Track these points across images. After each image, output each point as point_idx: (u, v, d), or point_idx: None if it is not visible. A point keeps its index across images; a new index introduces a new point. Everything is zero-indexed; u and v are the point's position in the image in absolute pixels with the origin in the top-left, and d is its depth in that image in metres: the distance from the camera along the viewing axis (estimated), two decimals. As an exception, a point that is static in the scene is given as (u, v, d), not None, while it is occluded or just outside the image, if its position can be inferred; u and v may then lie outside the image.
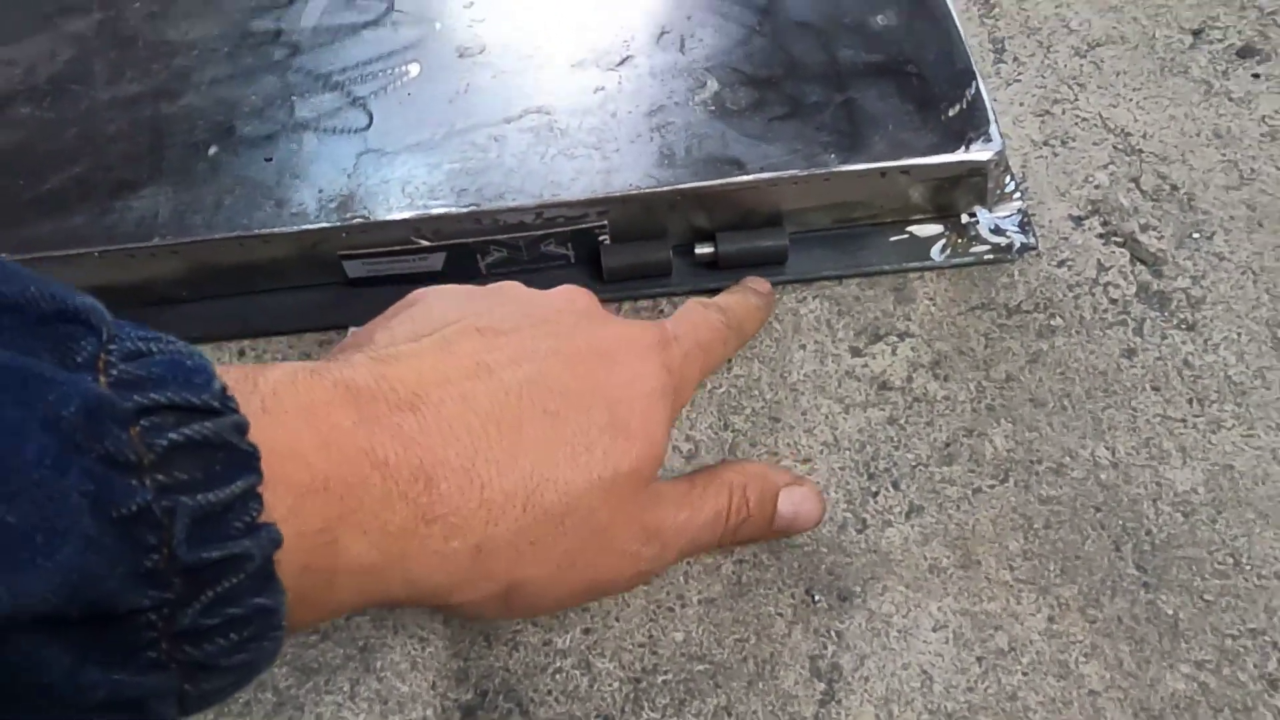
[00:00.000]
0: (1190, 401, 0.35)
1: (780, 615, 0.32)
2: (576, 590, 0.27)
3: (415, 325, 0.28)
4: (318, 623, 0.26)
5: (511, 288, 0.31)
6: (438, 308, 0.29)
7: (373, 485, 0.22)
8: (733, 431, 0.36)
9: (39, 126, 0.43)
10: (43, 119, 0.44)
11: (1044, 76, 0.45)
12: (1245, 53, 0.45)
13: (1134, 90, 0.44)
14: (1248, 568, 0.32)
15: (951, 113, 0.39)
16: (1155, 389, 0.36)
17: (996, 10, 0.48)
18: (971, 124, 0.38)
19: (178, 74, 0.44)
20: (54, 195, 0.40)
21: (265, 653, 0.21)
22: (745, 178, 0.38)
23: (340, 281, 0.40)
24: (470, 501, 0.24)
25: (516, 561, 0.25)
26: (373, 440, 0.23)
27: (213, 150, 0.41)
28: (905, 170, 0.38)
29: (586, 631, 0.32)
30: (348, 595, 0.23)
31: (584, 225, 0.38)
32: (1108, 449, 0.35)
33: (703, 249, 0.39)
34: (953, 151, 0.38)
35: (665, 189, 0.38)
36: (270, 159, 0.41)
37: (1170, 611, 0.31)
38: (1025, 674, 0.31)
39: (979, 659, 0.31)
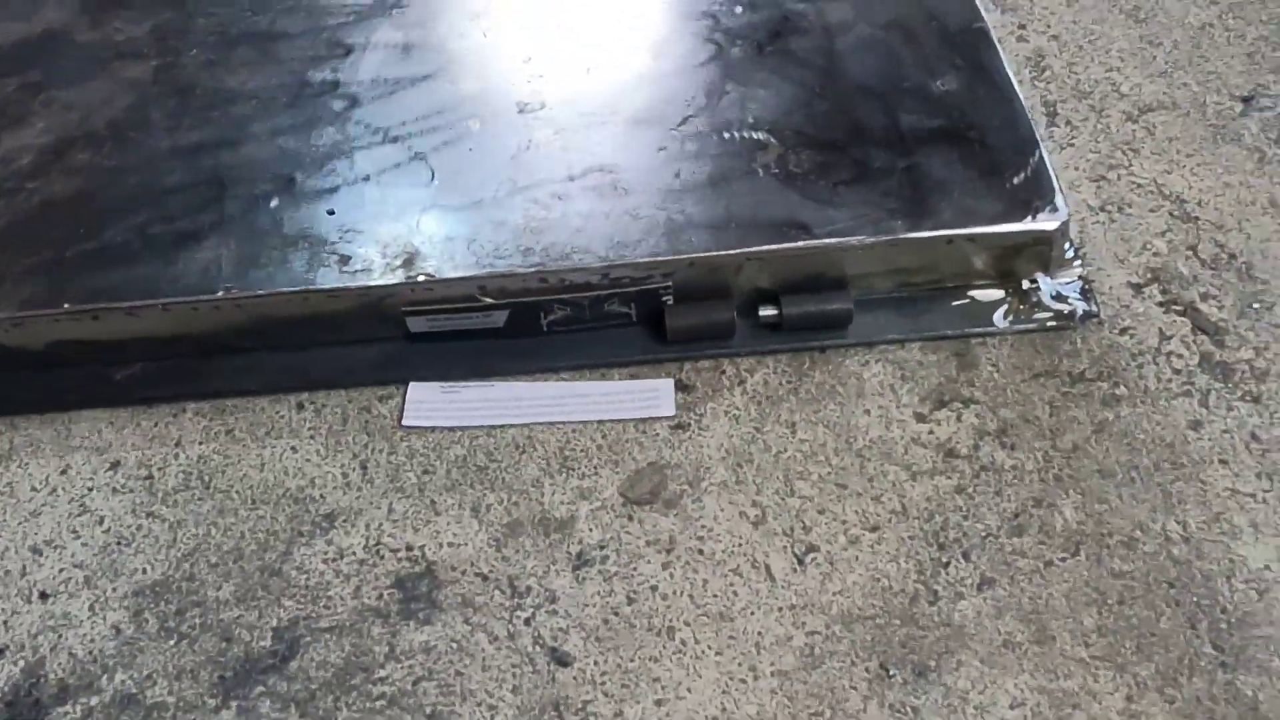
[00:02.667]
0: (1259, 476, 0.35)
1: (855, 689, 0.32)
2: None
3: None
4: None
5: None
6: None
7: None
8: (799, 497, 0.36)
9: (99, 174, 0.43)
10: (102, 166, 0.44)
11: (1097, 141, 0.46)
12: (1296, 121, 0.46)
13: (1187, 157, 0.45)
14: (1326, 649, 0.32)
15: (1016, 180, 0.39)
16: (1223, 462, 0.36)
17: (1048, 74, 0.48)
18: (1037, 192, 0.38)
19: (237, 123, 0.45)
20: (117, 245, 0.40)
21: None
22: (812, 242, 0.38)
23: (402, 336, 0.40)
24: None
25: None
26: None
27: (274, 202, 0.42)
28: (971, 238, 0.38)
29: (659, 703, 0.32)
30: None
31: (649, 286, 0.39)
32: (1178, 523, 0.35)
33: (767, 311, 0.39)
34: (1019, 220, 0.38)
35: (733, 252, 0.38)
36: (333, 212, 0.41)
37: (1250, 693, 0.31)
38: (1105, 755, 0.30)
39: (1058, 739, 0.31)
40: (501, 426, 0.38)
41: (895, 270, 0.39)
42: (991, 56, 0.43)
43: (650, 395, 0.38)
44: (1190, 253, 0.42)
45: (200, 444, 0.39)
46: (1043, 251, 0.39)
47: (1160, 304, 0.40)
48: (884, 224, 0.38)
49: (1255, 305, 0.40)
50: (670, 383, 0.38)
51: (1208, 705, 0.31)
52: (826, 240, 0.38)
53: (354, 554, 0.36)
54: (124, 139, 0.45)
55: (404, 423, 0.39)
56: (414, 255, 0.39)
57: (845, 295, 0.39)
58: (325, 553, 0.36)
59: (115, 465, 0.38)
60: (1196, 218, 0.43)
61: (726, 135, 0.42)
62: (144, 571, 0.36)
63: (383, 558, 0.35)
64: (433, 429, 0.38)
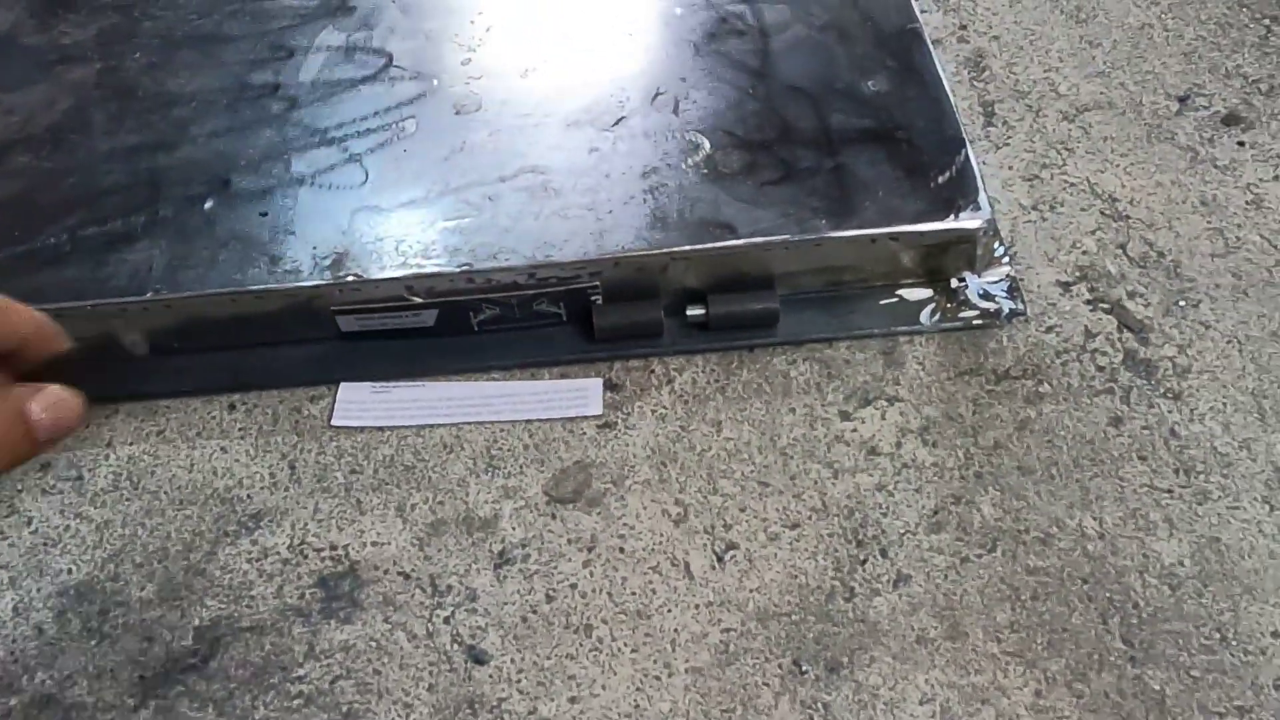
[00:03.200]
0: (1177, 472, 0.36)
1: (767, 685, 0.32)
2: None
3: None
4: None
5: None
6: None
7: None
8: (722, 495, 0.36)
9: (37, 177, 0.43)
10: (40, 169, 0.44)
11: (1033, 141, 0.46)
12: (1230, 120, 0.46)
13: (1121, 156, 0.45)
14: (1234, 643, 0.32)
15: (941, 180, 0.39)
16: (1142, 459, 0.36)
17: (987, 74, 0.49)
18: (961, 192, 0.39)
19: (176, 125, 0.45)
20: (49, 248, 0.40)
21: None
22: (737, 242, 0.38)
23: (333, 336, 0.40)
24: None
25: None
26: None
27: (209, 204, 0.42)
28: (895, 237, 0.38)
29: (573, 700, 0.32)
30: None
31: (576, 285, 0.39)
32: (1095, 519, 0.35)
33: (694, 310, 0.39)
34: (942, 219, 0.38)
35: (658, 252, 0.38)
36: (265, 214, 0.41)
37: (1157, 687, 0.31)
38: (1012, 750, 0.31)
39: (966, 734, 0.31)
40: (431, 426, 0.38)
41: (822, 269, 0.39)
42: (924, 57, 0.44)
43: (578, 394, 0.39)
44: (1120, 251, 0.42)
45: (131, 445, 0.39)
46: (967, 250, 0.39)
47: (1088, 302, 0.40)
48: (809, 223, 0.38)
49: (1181, 303, 0.40)
50: (598, 382, 0.39)
51: (1115, 700, 0.31)
52: (751, 240, 0.38)
53: (278, 554, 0.36)
54: (63, 141, 0.45)
55: (334, 422, 0.39)
56: (343, 256, 0.39)
57: (772, 295, 0.39)
58: (250, 552, 0.36)
59: (45, 466, 0.38)
60: (1127, 216, 0.43)
61: (658, 136, 0.42)
62: (69, 572, 0.36)
63: (306, 557, 0.36)
64: (362, 429, 0.39)
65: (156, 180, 0.43)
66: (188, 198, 0.42)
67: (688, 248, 0.38)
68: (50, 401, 0.30)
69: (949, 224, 0.38)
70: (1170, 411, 0.37)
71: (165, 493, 0.37)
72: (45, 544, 0.36)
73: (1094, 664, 0.32)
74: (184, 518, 0.37)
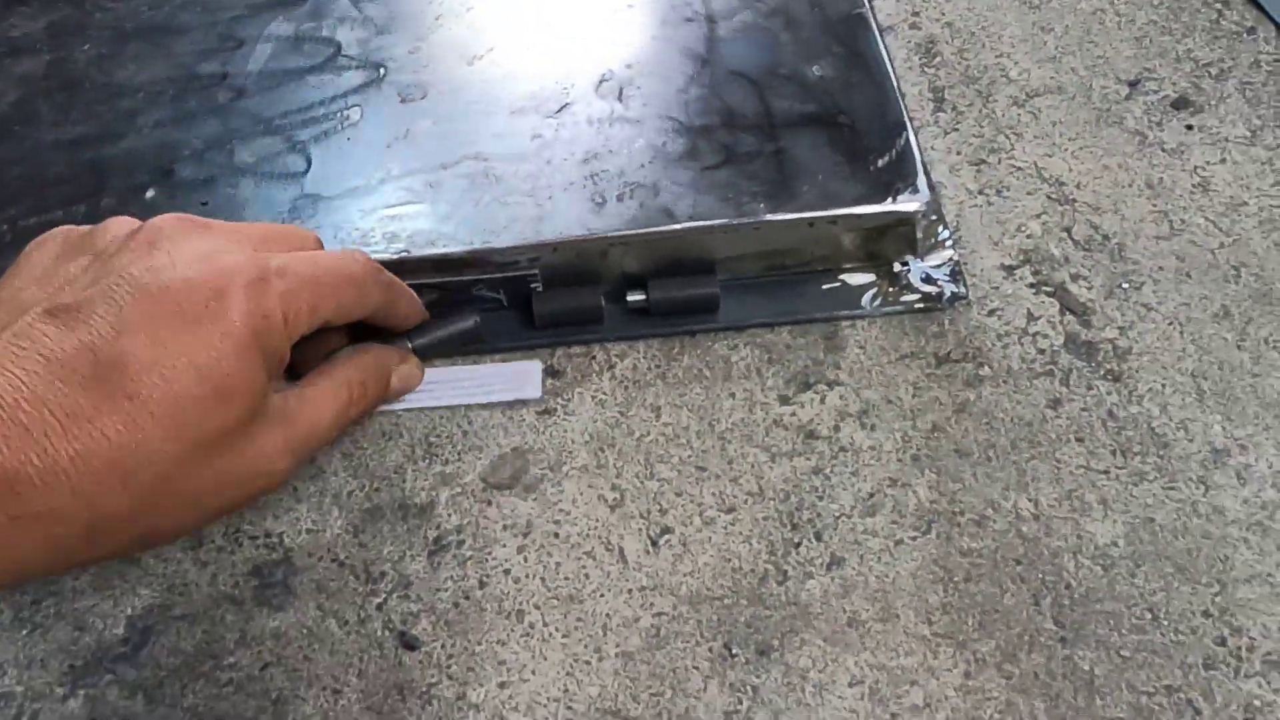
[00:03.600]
0: (1114, 453, 0.36)
1: (697, 669, 0.32)
2: (210, 517, 0.32)
3: (5, 312, 0.30)
4: None
5: (116, 225, 0.32)
6: (22, 283, 0.31)
7: None
8: (659, 480, 0.36)
9: (-20, 167, 0.43)
10: (-15, 160, 0.44)
11: (981, 126, 0.46)
12: (1179, 104, 0.46)
13: (1070, 140, 0.45)
14: (1165, 623, 0.32)
15: (881, 163, 0.39)
16: (1079, 440, 0.36)
17: (938, 59, 0.48)
18: (900, 175, 0.39)
19: (123, 116, 0.45)
20: (-11, 238, 0.40)
21: None
22: (675, 226, 0.38)
23: (274, 325, 0.40)
24: (61, 497, 0.26)
25: (135, 524, 0.28)
26: None
27: (150, 193, 0.42)
28: (833, 220, 0.38)
29: (502, 685, 0.32)
30: None
31: (515, 272, 0.39)
32: (1030, 501, 0.35)
33: (634, 296, 0.39)
34: (880, 202, 0.38)
35: (596, 237, 0.38)
36: (206, 203, 0.41)
37: (1087, 667, 0.31)
38: (940, 731, 0.30)
39: (893, 715, 0.31)
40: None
41: (763, 254, 0.39)
42: (870, 43, 0.43)
43: (518, 378, 0.38)
44: (1065, 234, 0.42)
45: (70, 435, 0.39)
46: (907, 233, 0.39)
47: (1031, 285, 0.40)
48: (748, 206, 0.38)
49: (1124, 285, 0.40)
50: (537, 365, 0.39)
51: (1044, 680, 0.31)
52: (690, 224, 0.38)
53: (213, 542, 0.36)
54: (9, 133, 0.45)
55: None
56: (283, 244, 0.39)
57: (712, 280, 0.39)
58: (184, 541, 0.36)
59: (-16, 457, 0.38)
60: (1074, 200, 0.43)
61: (601, 123, 0.42)
62: (4, 562, 0.36)
63: (241, 545, 0.35)
64: (301, 417, 0.38)
65: (100, 170, 0.43)
66: (130, 187, 0.42)
67: (626, 232, 0.38)
68: (407, 372, 0.37)
69: (887, 206, 0.38)
70: (1109, 393, 0.37)
71: (103, 482, 0.37)
72: (-19, 534, 0.36)
73: (1024, 644, 0.32)
74: (121, 507, 0.37)
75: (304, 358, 0.34)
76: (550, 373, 0.39)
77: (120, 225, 0.32)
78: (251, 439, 0.30)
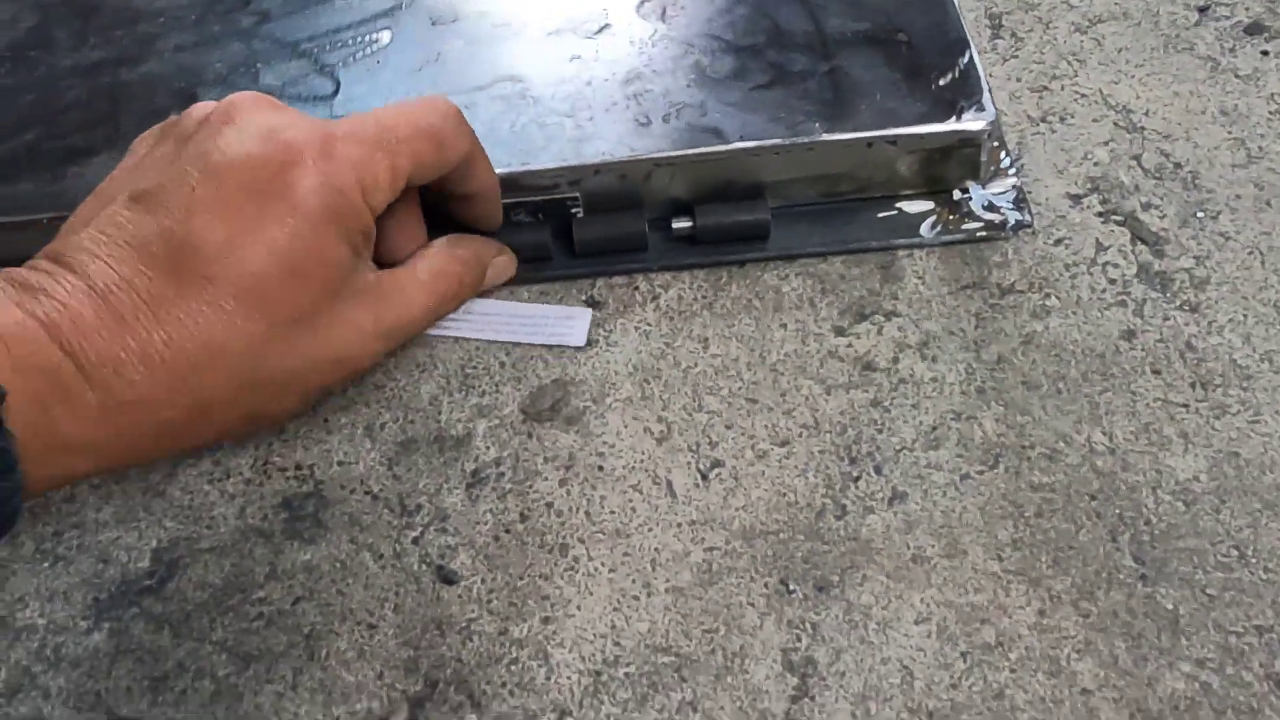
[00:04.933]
0: (1193, 386, 0.33)
1: (752, 606, 0.30)
2: (312, 396, 0.32)
3: (98, 202, 0.30)
4: (55, 483, 0.27)
5: (199, 108, 0.32)
6: (118, 173, 0.31)
7: (66, 373, 0.25)
8: (707, 412, 0.34)
9: (-5, 93, 0.42)
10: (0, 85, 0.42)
11: (1042, 53, 0.43)
12: (1253, 29, 0.43)
13: (1136, 67, 0.42)
14: (1253, 560, 0.30)
15: (943, 82, 0.37)
16: (1156, 372, 0.34)
17: (994, -15, 0.46)
18: (964, 93, 0.36)
19: (141, 41, 0.43)
20: (3, 161, 0.39)
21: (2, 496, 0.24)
22: (724, 147, 0.36)
23: (302, 254, 0.38)
24: (161, 380, 0.26)
25: (238, 404, 0.28)
26: (59, 334, 0.26)
27: (174, 116, 0.40)
28: (893, 140, 0.36)
29: (545, 620, 0.30)
30: (76, 463, 0.26)
31: (555, 195, 0.37)
32: (1104, 434, 0.33)
33: (680, 223, 0.37)
34: (943, 121, 0.36)
35: (640, 158, 0.36)
36: (231, 126, 0.39)
37: (1170, 606, 0.29)
38: (1013, 670, 0.29)
39: (964, 654, 0.29)
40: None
41: (815, 178, 0.37)
42: (926, -40, 0.41)
43: (566, 322, 0.36)
44: (1134, 162, 0.39)
45: (91, 366, 0.37)
46: (971, 155, 0.37)
47: (1099, 214, 0.38)
48: (801, 127, 0.36)
49: (1199, 214, 0.38)
50: (588, 313, 0.36)
51: (1124, 618, 0.29)
52: (739, 145, 0.36)
53: (241, 474, 0.34)
54: (24, 59, 0.43)
55: None
56: (311, 167, 0.37)
57: (762, 205, 0.37)
58: (211, 473, 0.34)
59: (2, 388, 0.37)
60: (1142, 127, 0.40)
61: (643, 43, 0.39)
62: (23, 493, 0.34)
63: (270, 477, 0.34)
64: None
65: (118, 95, 0.41)
66: (151, 111, 0.40)
67: (673, 153, 0.36)
68: (504, 264, 0.36)
69: (951, 125, 0.36)
70: (1187, 324, 0.35)
71: (125, 414, 0.36)
72: (-1, 465, 0.35)
73: (1102, 582, 0.30)
74: (144, 439, 0.35)
75: (397, 225, 0.33)
76: (590, 303, 0.37)
77: (202, 108, 0.31)
78: (339, 318, 0.30)
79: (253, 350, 0.28)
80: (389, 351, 0.32)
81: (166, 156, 0.30)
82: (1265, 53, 0.42)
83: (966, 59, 0.37)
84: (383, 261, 0.33)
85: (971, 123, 0.36)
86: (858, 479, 0.32)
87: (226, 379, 0.28)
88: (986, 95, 0.36)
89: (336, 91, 0.40)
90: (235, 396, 0.28)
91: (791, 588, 0.30)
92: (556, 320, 0.37)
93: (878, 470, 0.32)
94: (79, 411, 0.26)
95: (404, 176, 0.30)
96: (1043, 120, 0.41)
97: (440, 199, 0.34)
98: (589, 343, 0.36)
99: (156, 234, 0.27)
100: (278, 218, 0.28)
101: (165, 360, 0.26)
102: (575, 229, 0.37)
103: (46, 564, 0.33)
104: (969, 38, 0.38)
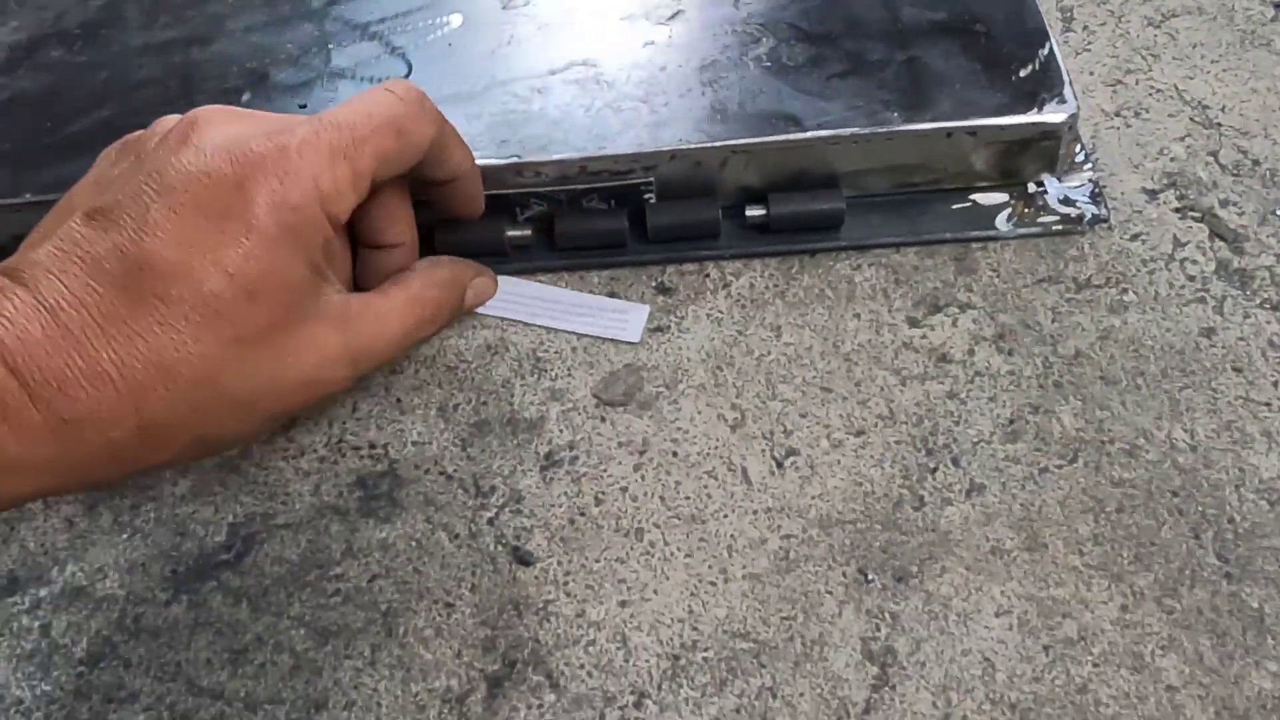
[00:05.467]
0: (1275, 384, 0.33)
1: (830, 594, 0.30)
2: (267, 422, 0.30)
3: (57, 218, 0.29)
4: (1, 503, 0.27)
5: (163, 123, 0.31)
6: (79, 187, 0.30)
7: (10, 390, 0.25)
8: (781, 401, 0.34)
9: (69, 70, 0.42)
10: (73, 63, 0.42)
11: (1115, 46, 0.43)
12: (1331, 26, 0.43)
13: (1212, 62, 0.42)
14: (1340, 561, 0.30)
15: (1023, 73, 0.36)
16: (1237, 370, 0.33)
17: (1065, -22, 0.46)
18: (1045, 85, 0.36)
19: (212, 20, 0.43)
20: (79, 138, 0.39)
21: None
22: (801, 135, 0.36)
23: (373, 235, 0.39)
24: (108, 399, 0.26)
25: (188, 427, 0.27)
26: (4, 350, 0.25)
27: (246, 96, 0.40)
28: (972, 131, 0.36)
29: (623, 604, 0.30)
30: (22, 484, 0.26)
31: (629, 181, 0.37)
32: (1186, 431, 0.32)
33: (754, 210, 0.37)
34: (1024, 112, 0.35)
35: (716, 144, 0.36)
36: (304, 105, 0.39)
37: (1256, 605, 0.29)
38: (1096, 665, 0.28)
39: (1046, 648, 0.29)
40: (475, 318, 0.37)
41: (891, 168, 0.37)
42: (1002, -50, 0.41)
43: (623, 317, 0.36)
44: (1211, 158, 0.39)
45: (164, 342, 0.37)
46: (1049, 148, 0.36)
47: (1176, 210, 0.38)
48: (879, 116, 0.36)
49: (1278, 211, 0.37)
50: (644, 310, 0.36)
51: (1209, 616, 0.29)
52: (816, 133, 0.36)
53: (315, 452, 0.34)
54: (96, 36, 0.43)
55: None
56: (385, 148, 0.37)
57: (837, 194, 0.37)
58: (286, 450, 0.34)
59: (77, 362, 0.37)
60: (1219, 123, 0.40)
61: (717, 30, 0.39)
62: (100, 466, 0.34)
63: (344, 455, 0.34)
64: (402, 329, 0.37)
65: (190, 74, 0.41)
66: (223, 90, 0.40)
67: (748, 140, 0.36)
68: (482, 286, 0.36)
69: (1032, 117, 0.35)
70: (1269, 323, 0.34)
71: (199, 390, 0.36)
72: (76, 438, 0.35)
73: (1185, 579, 0.30)
74: (218, 415, 0.35)
75: (381, 208, 0.32)
76: (661, 289, 0.37)
77: (166, 122, 0.31)
78: (301, 340, 0.28)
79: (205, 372, 0.27)
80: (359, 377, 0.31)
81: (125, 173, 0.29)
82: (1344, 50, 0.42)
83: (1047, 50, 0.37)
84: (368, 243, 0.32)
85: (1052, 115, 0.35)
86: (935, 470, 0.32)
87: (176, 400, 0.27)
88: (1068, 87, 0.36)
89: (409, 73, 0.40)
90: (186, 418, 0.27)
91: (870, 577, 0.30)
92: (613, 313, 0.37)
93: (955, 462, 0.32)
94: (23, 430, 0.25)
95: (368, 176, 0.29)
96: (1117, 114, 0.41)
97: (420, 188, 0.33)
98: (660, 329, 0.36)
99: (111, 251, 0.26)
100: (233, 237, 0.27)
101: (112, 379, 0.26)
102: (649, 215, 0.37)
103: (124, 536, 0.33)
104: (1049, 29, 0.38)
